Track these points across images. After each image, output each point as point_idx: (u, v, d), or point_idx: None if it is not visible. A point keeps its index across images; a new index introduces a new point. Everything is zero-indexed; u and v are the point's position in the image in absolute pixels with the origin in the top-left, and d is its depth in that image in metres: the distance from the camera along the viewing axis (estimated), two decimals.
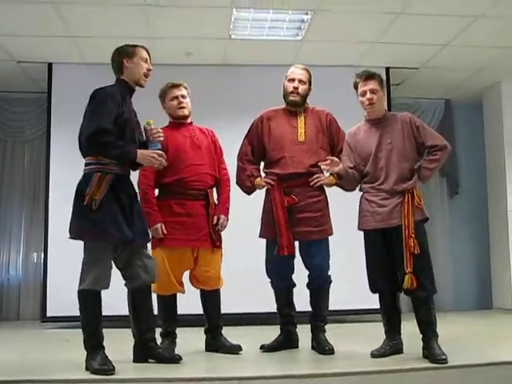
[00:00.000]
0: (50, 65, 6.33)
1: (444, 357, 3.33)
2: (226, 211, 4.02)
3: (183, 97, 4.00)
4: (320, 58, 6.06)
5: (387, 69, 6.53)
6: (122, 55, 3.48)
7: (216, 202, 4.02)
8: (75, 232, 3.32)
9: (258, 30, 5.75)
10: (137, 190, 3.57)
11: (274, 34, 5.83)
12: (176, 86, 4.00)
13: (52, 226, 6.08)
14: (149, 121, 3.46)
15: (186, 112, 4.01)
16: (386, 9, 5.23)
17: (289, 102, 4.03)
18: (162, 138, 3.48)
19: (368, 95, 3.73)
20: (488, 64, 6.51)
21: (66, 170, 6.11)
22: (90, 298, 3.26)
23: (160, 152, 3.40)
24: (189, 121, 4.07)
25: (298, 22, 5.60)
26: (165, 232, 3.77)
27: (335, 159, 3.80)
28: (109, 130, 3.25)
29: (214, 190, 4.05)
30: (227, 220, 4.01)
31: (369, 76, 3.76)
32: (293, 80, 4.00)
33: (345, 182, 3.86)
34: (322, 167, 3.86)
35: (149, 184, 3.82)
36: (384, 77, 6.27)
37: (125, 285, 3.50)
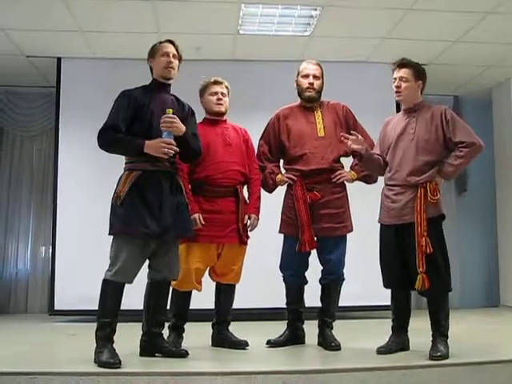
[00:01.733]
0: (58, 59, 6.33)
1: (439, 354, 3.33)
2: (257, 211, 4.00)
3: (223, 94, 4.00)
4: (328, 53, 6.04)
5: None
6: (148, 57, 3.63)
7: (246, 199, 4.00)
8: (109, 227, 3.39)
9: (267, 26, 5.74)
10: (180, 184, 3.56)
11: (282, 30, 5.81)
12: (218, 82, 4.01)
13: (60, 220, 6.11)
14: (168, 110, 3.45)
15: (222, 109, 4.00)
16: (395, 4, 5.20)
17: (305, 98, 4.03)
18: (170, 128, 3.40)
19: (396, 82, 3.70)
20: (498, 61, 6.48)
21: (74, 164, 6.16)
22: (110, 290, 3.31)
23: (168, 140, 3.38)
24: (224, 118, 4.07)
25: (307, 18, 5.58)
26: (203, 223, 3.75)
27: (360, 136, 3.70)
28: (115, 126, 3.35)
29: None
30: (258, 220, 3.99)
31: (401, 64, 3.72)
32: (307, 76, 4.00)
33: (368, 166, 3.81)
34: (346, 141, 3.69)
35: (182, 175, 3.75)
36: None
37: (147, 276, 3.54)
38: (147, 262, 3.50)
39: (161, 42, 3.61)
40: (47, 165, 7.17)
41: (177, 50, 3.61)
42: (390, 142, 3.73)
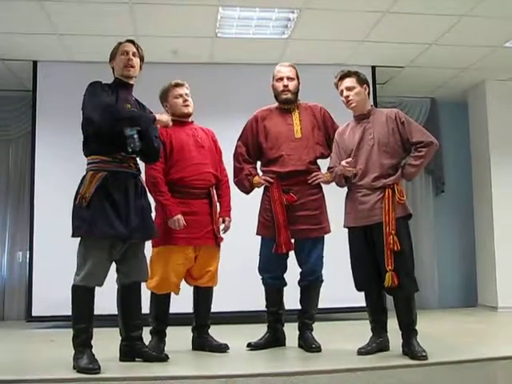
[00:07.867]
0: (34, 62, 6.27)
1: (424, 353, 3.36)
2: (229, 213, 4.05)
3: (187, 95, 4.01)
4: (306, 56, 6.06)
5: (373, 67, 6.56)
6: (110, 59, 3.60)
7: (217, 201, 4.03)
8: (72, 230, 3.33)
9: (245, 29, 5.74)
10: (144, 187, 3.56)
11: (260, 33, 5.82)
12: (179, 85, 4.01)
13: (37, 225, 6.05)
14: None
15: (190, 110, 4.01)
16: (372, 7, 5.23)
17: (282, 101, 4.04)
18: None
19: (344, 93, 3.76)
20: (473, 63, 6.55)
21: (51, 168, 6.10)
22: (81, 295, 3.27)
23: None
24: (190, 120, 4.07)
25: (285, 21, 5.60)
26: (184, 223, 3.75)
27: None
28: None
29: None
30: (230, 221, 4.03)
31: (343, 75, 3.79)
32: (281, 79, 4.01)
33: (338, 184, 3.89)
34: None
35: (159, 176, 3.79)
36: (370, 75, 6.31)
37: (116, 281, 3.50)
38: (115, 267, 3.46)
39: (120, 43, 3.58)
40: (24, 169, 7.07)
41: (137, 49, 3.58)
42: (350, 149, 3.77)
